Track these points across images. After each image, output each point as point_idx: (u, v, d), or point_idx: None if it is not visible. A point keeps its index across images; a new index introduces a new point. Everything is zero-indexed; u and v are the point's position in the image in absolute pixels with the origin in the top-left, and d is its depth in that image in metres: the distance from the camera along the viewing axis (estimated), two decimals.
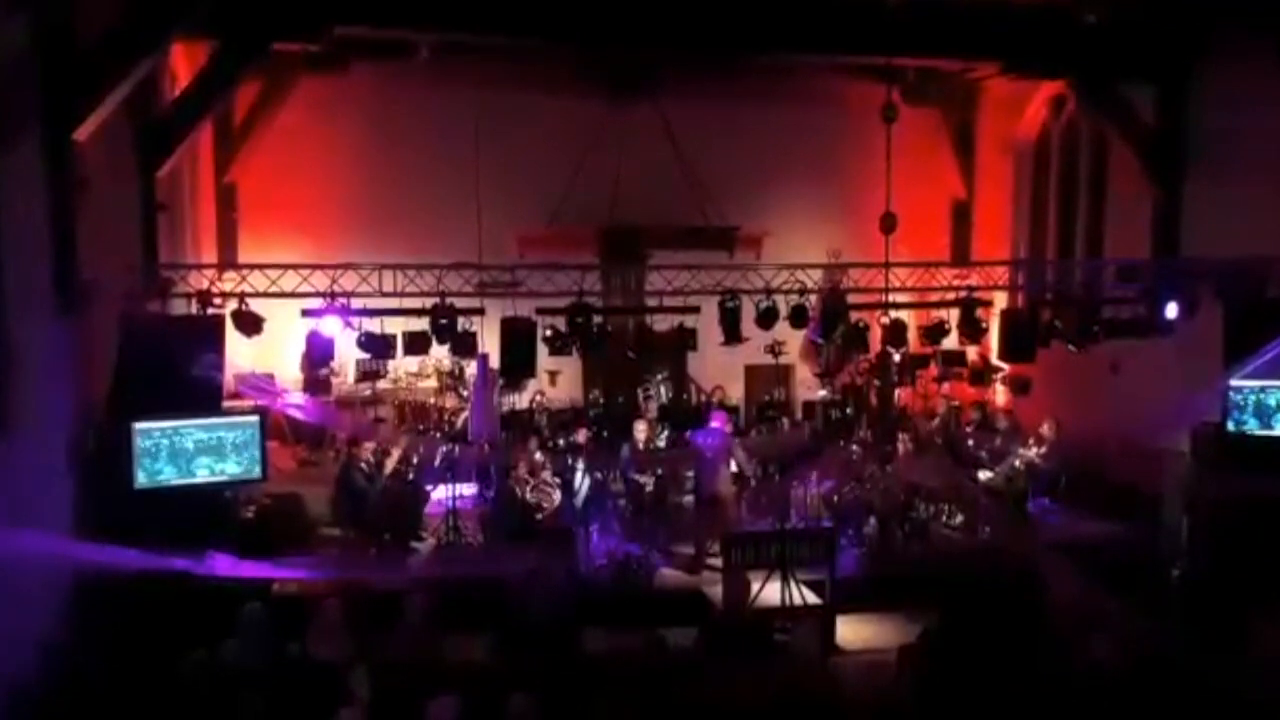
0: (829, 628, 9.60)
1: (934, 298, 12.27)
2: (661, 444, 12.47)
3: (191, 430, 9.05)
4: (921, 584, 9.85)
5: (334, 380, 13.98)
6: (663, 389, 14.78)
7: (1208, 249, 11.34)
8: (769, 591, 9.49)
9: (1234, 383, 10.32)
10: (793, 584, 9.52)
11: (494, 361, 12.09)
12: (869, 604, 10.16)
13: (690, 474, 11.90)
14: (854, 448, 12.94)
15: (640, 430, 12.03)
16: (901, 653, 7.78)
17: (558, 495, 11.24)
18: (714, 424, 11.58)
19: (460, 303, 10.63)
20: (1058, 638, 7.75)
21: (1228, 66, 11.34)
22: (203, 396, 9.40)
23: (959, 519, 11.94)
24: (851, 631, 9.81)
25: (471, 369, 13.51)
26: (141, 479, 8.76)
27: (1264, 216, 10.59)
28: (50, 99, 8.02)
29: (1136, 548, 10.96)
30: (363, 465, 11.02)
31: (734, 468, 11.73)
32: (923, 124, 15.65)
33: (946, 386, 14.75)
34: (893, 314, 11.84)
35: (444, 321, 10.50)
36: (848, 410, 14.65)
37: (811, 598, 9.64)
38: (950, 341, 12.66)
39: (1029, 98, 14.91)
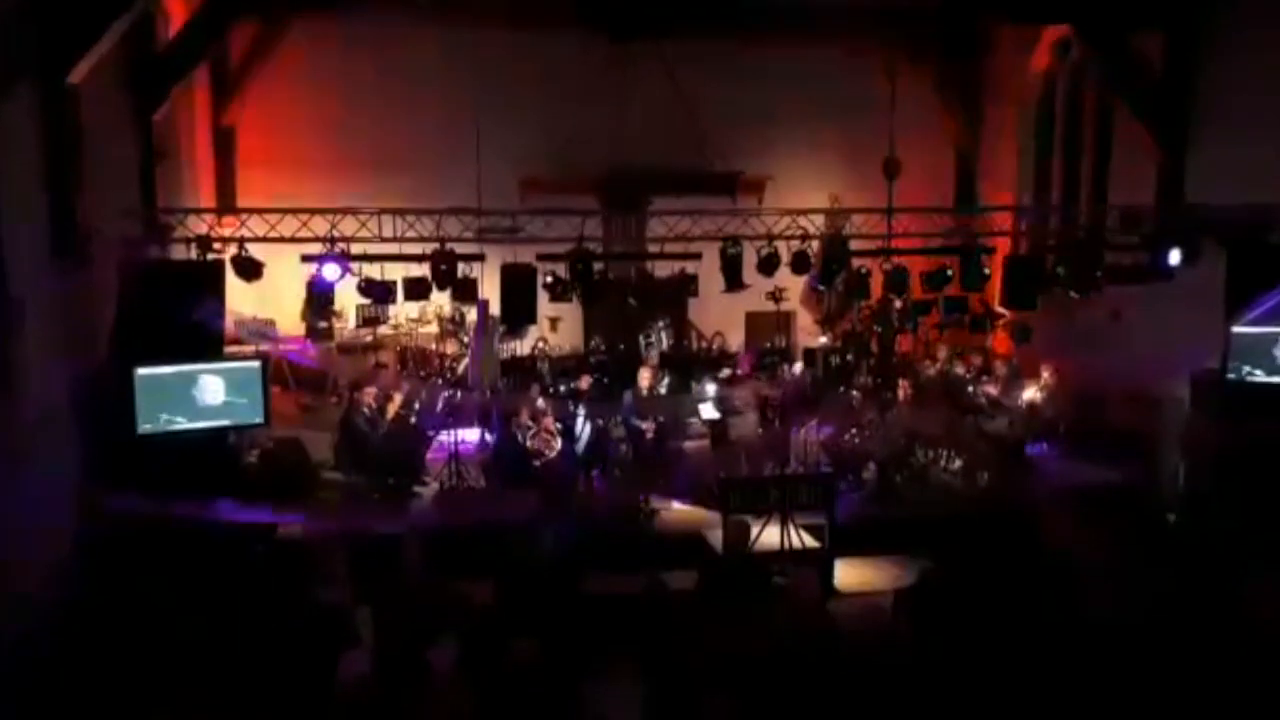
0: (827, 571, 9.71)
1: (936, 244, 12.21)
2: (663, 390, 12.49)
3: (193, 375, 9.08)
4: (919, 529, 9.94)
5: (335, 326, 13.98)
6: (663, 335, 14.78)
7: (1212, 196, 11.26)
8: (768, 535, 9.58)
9: (1235, 329, 10.31)
10: (792, 528, 9.61)
11: (494, 307, 12.08)
12: (867, 548, 10.25)
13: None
14: (854, 394, 12.97)
15: (643, 377, 12.06)
16: (898, 595, 7.88)
17: (559, 441, 11.29)
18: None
19: (460, 248, 10.61)
20: (1053, 582, 7.82)
21: (1236, 14, 11.19)
22: (204, 342, 9.41)
23: (958, 465, 11.98)
24: (849, 575, 9.91)
25: (473, 315, 13.50)
26: (144, 425, 8.81)
27: (1268, 164, 10.48)
28: (44, 41, 7.93)
29: (1134, 494, 11.02)
30: (365, 410, 11.05)
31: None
32: (927, 69, 15.46)
33: (947, 333, 14.74)
34: (894, 260, 11.80)
35: (444, 267, 10.49)
36: (848, 357, 14.64)
37: (810, 542, 9.72)
38: (952, 288, 12.63)
39: (1034, 42, 14.70)
